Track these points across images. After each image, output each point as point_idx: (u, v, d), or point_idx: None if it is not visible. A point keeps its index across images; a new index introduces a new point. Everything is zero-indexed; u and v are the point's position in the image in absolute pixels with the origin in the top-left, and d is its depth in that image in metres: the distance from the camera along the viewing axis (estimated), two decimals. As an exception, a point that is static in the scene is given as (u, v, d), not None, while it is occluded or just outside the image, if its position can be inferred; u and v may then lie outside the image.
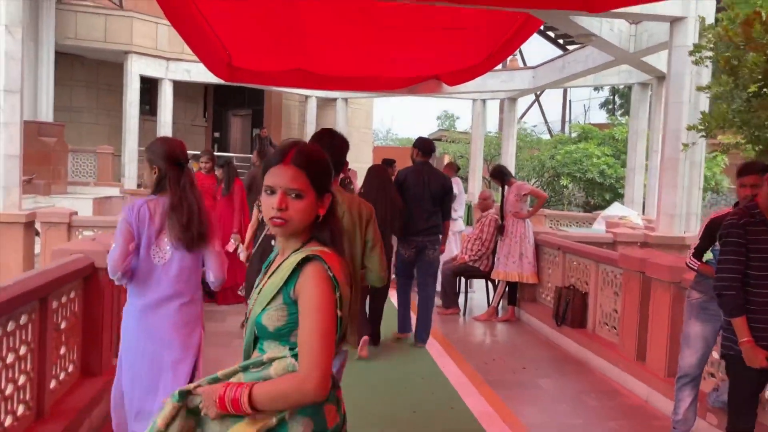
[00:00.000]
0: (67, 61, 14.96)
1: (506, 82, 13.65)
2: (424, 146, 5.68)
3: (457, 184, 8.04)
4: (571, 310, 5.62)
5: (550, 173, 16.77)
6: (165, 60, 14.62)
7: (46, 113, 12.30)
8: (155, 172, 2.78)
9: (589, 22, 8.13)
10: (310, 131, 16.55)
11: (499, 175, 6.69)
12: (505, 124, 14.78)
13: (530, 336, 6.15)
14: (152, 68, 14.48)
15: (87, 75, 16.12)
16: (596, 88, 27.83)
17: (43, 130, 12.05)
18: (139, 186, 14.66)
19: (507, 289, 6.73)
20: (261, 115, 17.78)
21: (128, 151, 14.33)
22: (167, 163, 2.75)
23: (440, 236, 5.70)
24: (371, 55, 9.60)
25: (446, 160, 34.35)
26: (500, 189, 6.72)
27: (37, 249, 6.85)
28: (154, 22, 14.38)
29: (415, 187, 5.41)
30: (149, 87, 15.39)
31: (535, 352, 5.59)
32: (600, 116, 30.27)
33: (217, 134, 19.14)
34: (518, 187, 6.55)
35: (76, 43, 13.94)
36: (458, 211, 8.06)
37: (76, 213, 6.72)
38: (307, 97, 16.43)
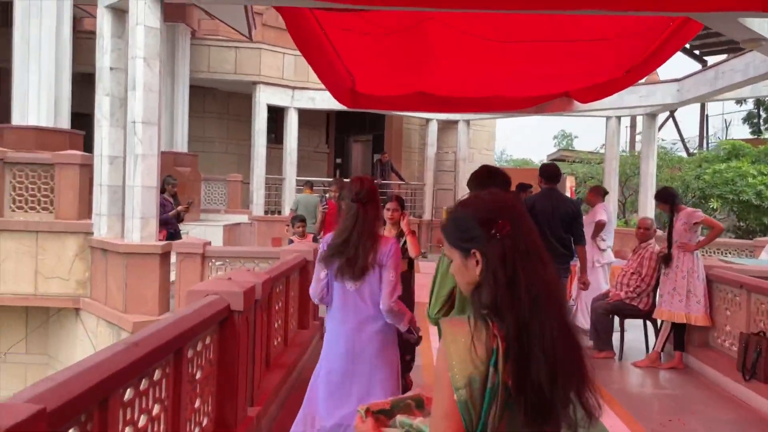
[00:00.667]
0: (200, 93, 15.64)
1: (646, 97, 12.51)
2: (548, 173, 5.61)
3: (605, 211, 7.24)
4: (764, 361, 4.69)
5: (696, 195, 15.21)
6: (290, 89, 14.89)
7: (181, 144, 12.81)
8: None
9: (759, 25, 7.08)
10: (431, 155, 16.20)
11: (667, 199, 5.82)
12: (644, 142, 13.56)
13: (707, 390, 5.23)
14: (278, 97, 14.78)
15: (218, 106, 16.80)
16: (738, 101, 25.37)
17: (179, 160, 12.54)
18: (266, 213, 14.95)
19: (672, 331, 5.83)
20: (382, 140, 17.68)
21: (256, 179, 14.66)
22: (348, 199, 3.07)
23: (570, 264, 5.39)
24: (497, 75, 9.06)
25: (569, 182, 32.74)
26: (669, 216, 5.85)
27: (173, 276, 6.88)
28: (281, 53, 14.72)
29: (544, 214, 5.21)
30: (275, 116, 15.75)
31: (718, 411, 4.70)
32: (742, 132, 27.53)
33: (338, 160, 19.27)
34: (688, 214, 5.68)
35: (209, 76, 14.54)
36: (607, 240, 7.25)
37: (209, 243, 6.67)
38: (428, 120, 16.10)
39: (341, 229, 3.03)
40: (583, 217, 6.51)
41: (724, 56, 13.75)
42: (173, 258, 6.67)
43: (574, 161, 27.49)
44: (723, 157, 15.85)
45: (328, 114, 18.37)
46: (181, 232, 12.49)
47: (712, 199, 14.46)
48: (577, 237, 5.35)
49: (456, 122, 16.02)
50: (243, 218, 13.72)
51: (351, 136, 19.12)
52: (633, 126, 25.44)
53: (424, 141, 16.72)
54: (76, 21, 14.44)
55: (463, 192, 15.06)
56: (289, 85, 14.86)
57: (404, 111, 14.56)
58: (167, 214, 8.27)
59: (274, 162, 15.49)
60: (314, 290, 3.12)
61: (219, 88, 16.14)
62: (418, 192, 16.58)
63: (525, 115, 15.14)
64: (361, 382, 2.95)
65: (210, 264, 6.55)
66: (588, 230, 6.78)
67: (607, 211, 7.31)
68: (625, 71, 8.64)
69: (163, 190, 8.46)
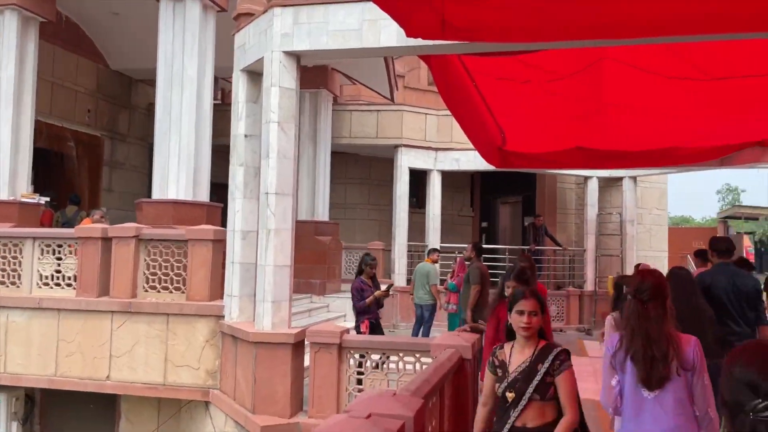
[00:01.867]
0: (342, 159, 15.33)
1: None
2: (721, 246, 5.27)
3: None
4: None
5: None
6: (433, 150, 14.11)
7: (322, 212, 12.32)
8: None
9: None
10: (591, 216, 14.45)
11: None
12: None
13: None
14: (421, 160, 14.04)
15: (360, 171, 16.42)
16: None
17: (319, 230, 12.04)
18: (408, 282, 13.99)
19: None
20: (532, 201, 16.20)
21: (398, 246, 13.84)
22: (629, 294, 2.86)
23: None
24: (681, 122, 7.43)
25: (746, 241, 29.00)
26: None
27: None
28: (423, 113, 14.07)
29: (726, 294, 4.81)
30: (416, 179, 15.00)
31: None
32: None
33: (484, 224, 18.02)
34: None
35: (351, 141, 14.16)
36: None
37: (347, 331, 5.69)
38: (586, 178, 14.46)
39: (626, 331, 2.81)
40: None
41: None
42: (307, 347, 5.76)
43: (750, 218, 24.15)
44: None
45: (473, 175, 17.33)
46: (324, 305, 11.86)
47: None
48: (761, 317, 4.91)
49: (620, 179, 14.22)
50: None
51: (498, 198, 17.86)
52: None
53: (582, 201, 15.04)
54: (224, 94, 14.85)
55: (633, 260, 13.13)
56: (432, 146, 14.09)
57: (559, 169, 13.14)
58: (365, 301, 7.22)
59: (416, 227, 14.61)
60: (606, 399, 2.86)
61: (360, 153, 15.78)
62: (578, 259, 14.80)
63: (705, 169, 13.06)
64: None
65: (348, 356, 5.56)
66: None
67: None
68: None
69: (360, 272, 7.53)
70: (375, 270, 7.62)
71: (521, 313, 2.94)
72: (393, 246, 13.93)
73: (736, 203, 37.67)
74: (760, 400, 1.12)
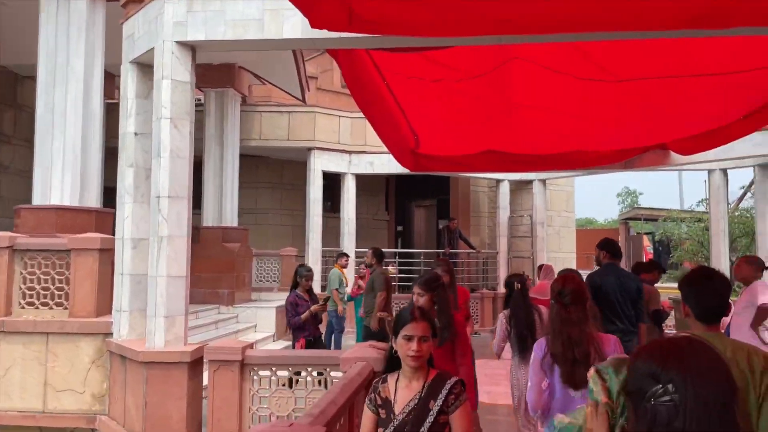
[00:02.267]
0: (252, 162, 14.74)
1: (762, 146, 10.68)
2: (614, 248, 5.50)
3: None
4: None
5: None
6: (347, 153, 13.80)
7: (230, 218, 11.70)
8: None
9: None
10: (503, 219, 14.59)
11: None
12: (759, 197, 11.63)
13: None
14: (335, 163, 13.70)
15: (271, 175, 15.87)
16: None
17: (227, 236, 11.42)
18: (323, 289, 13.59)
19: None
20: (446, 204, 16.23)
21: (312, 252, 13.41)
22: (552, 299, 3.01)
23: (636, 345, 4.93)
24: (587, 125, 7.52)
25: (645, 241, 30.53)
26: None
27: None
28: (336, 116, 13.74)
29: (613, 293, 5.06)
30: (330, 183, 14.64)
31: None
32: None
33: (400, 228, 17.89)
34: None
35: (261, 144, 13.62)
36: (772, 328, 5.45)
37: (251, 346, 5.24)
38: (498, 181, 14.60)
39: (552, 334, 2.89)
40: (738, 297, 5.06)
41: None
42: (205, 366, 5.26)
43: (649, 219, 25.42)
44: None
45: (388, 178, 17.17)
46: (232, 316, 11.24)
47: None
48: (640, 315, 5.14)
49: (530, 182, 14.45)
50: (298, 297, 12.36)
51: (413, 202, 17.78)
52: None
53: (494, 204, 15.19)
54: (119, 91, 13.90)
55: (543, 261, 13.34)
56: (346, 149, 13.78)
57: (471, 172, 13.19)
58: (299, 317, 6.47)
59: (331, 232, 14.25)
60: (535, 402, 2.92)
61: (272, 156, 15.25)
62: (491, 261, 14.92)
63: (610, 172, 13.50)
64: None
65: (252, 374, 5.11)
66: (745, 316, 5.16)
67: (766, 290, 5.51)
68: (746, 115, 6.99)
69: (295, 285, 6.76)
70: (311, 282, 6.89)
71: (409, 339, 2.42)
72: (307, 252, 13.51)
73: (635, 205, 39.55)
74: (660, 386, 1.20)
